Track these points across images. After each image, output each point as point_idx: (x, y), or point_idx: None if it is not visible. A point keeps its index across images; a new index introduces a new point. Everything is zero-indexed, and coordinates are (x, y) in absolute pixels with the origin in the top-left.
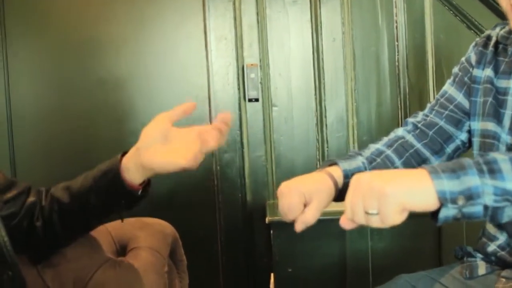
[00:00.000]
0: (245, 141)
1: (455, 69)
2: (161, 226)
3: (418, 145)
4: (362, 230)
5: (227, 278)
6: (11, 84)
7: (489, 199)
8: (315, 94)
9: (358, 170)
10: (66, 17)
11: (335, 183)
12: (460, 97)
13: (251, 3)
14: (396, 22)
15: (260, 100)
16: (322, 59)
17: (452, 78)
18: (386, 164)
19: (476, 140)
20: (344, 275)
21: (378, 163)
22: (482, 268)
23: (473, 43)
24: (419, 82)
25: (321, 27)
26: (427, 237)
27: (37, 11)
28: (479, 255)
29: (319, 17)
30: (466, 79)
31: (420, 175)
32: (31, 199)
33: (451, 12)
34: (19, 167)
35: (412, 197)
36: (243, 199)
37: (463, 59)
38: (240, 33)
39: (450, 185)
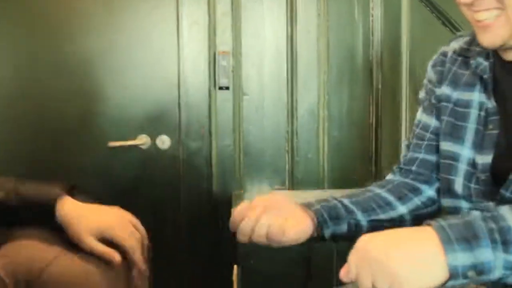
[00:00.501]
0: (213, 129)
1: (421, 94)
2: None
3: (406, 180)
4: None
5: (191, 269)
6: None
7: (499, 272)
8: (287, 85)
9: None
10: None
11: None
12: (433, 122)
13: None
14: (372, 16)
15: (231, 88)
16: (296, 50)
17: (421, 105)
18: (380, 205)
19: (442, 163)
20: (308, 268)
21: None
22: None
23: (431, 63)
24: (392, 78)
25: (296, 18)
26: None
27: None
28: None
29: (295, 8)
30: (433, 100)
31: (432, 247)
32: None
33: (428, 8)
34: None
35: (425, 276)
36: (209, 188)
37: (425, 81)
38: (213, 20)
39: (464, 259)
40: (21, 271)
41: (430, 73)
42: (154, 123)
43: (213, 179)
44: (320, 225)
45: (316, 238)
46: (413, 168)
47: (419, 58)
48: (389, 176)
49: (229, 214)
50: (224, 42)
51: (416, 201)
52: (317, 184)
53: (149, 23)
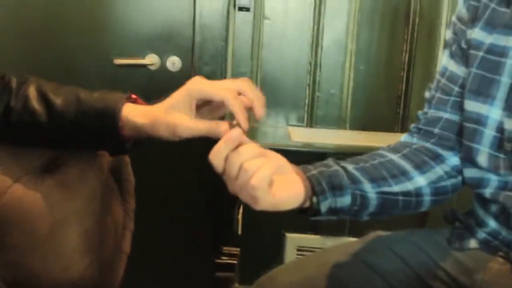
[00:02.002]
0: (229, 54)
1: (448, 34)
2: None
3: (427, 145)
4: None
5: (192, 202)
6: None
7: None
8: (314, 10)
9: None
10: None
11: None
12: (463, 72)
13: None
14: None
15: (252, 10)
16: None
17: (448, 48)
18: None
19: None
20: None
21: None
22: (474, 241)
23: None
24: (431, 13)
25: None
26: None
27: None
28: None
29: None
30: (463, 44)
31: None
32: None
33: None
34: None
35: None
36: (220, 118)
37: (453, 18)
38: None
39: None
40: None
41: (462, 9)
42: (165, 42)
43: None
44: (316, 195)
45: (308, 211)
46: (436, 130)
47: None
48: (406, 138)
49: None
50: None
51: (438, 170)
52: (338, 124)
53: None
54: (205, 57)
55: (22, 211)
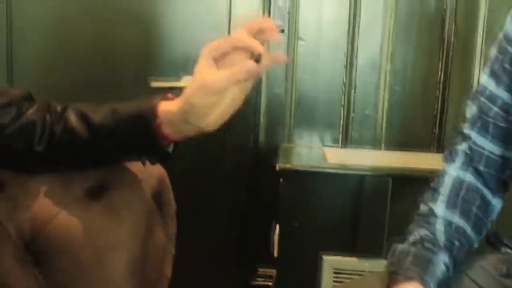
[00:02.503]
0: (264, 76)
1: (493, 51)
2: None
3: (478, 186)
4: (381, 188)
5: (228, 222)
6: None
7: None
8: (348, 31)
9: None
10: None
11: None
12: (503, 94)
13: None
14: None
15: (286, 31)
16: None
17: (489, 65)
18: (464, 245)
19: None
20: (354, 236)
21: (456, 247)
22: None
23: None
24: (466, 30)
25: None
26: None
27: None
28: None
29: None
30: (506, 64)
31: None
32: (32, 114)
33: None
34: (17, 80)
35: None
36: (256, 139)
37: (500, 35)
38: None
39: None
40: (26, 220)
41: (509, 27)
42: None
43: (260, 130)
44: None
45: None
46: (481, 168)
47: (499, 8)
48: (456, 172)
49: (274, 169)
50: None
51: (487, 221)
52: (373, 144)
53: None
54: None
55: (69, 237)
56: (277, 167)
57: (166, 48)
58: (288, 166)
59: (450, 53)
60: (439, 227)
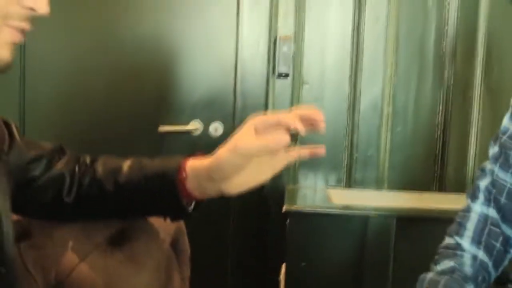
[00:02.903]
0: None
1: (494, 148)
2: None
3: (503, 226)
4: (385, 228)
5: (236, 263)
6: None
7: None
8: (351, 75)
9: None
10: None
11: None
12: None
13: None
14: (448, 5)
15: (291, 76)
16: (362, 38)
17: (510, 108)
18: (485, 278)
19: None
20: (361, 276)
21: (480, 280)
22: None
23: None
24: (465, 74)
25: (365, 2)
26: None
27: None
28: None
29: None
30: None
31: None
32: (62, 166)
33: (509, 1)
34: (29, 129)
35: None
36: None
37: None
38: (276, 2)
39: None
40: (51, 267)
41: (506, 123)
42: (208, 109)
43: None
44: None
45: None
46: (502, 200)
47: (496, 53)
48: (482, 208)
49: (280, 210)
50: (286, 27)
51: (505, 259)
52: (376, 184)
53: (209, 3)
54: None
55: (93, 285)
56: (284, 208)
57: (175, 95)
58: (294, 208)
59: (450, 96)
60: (466, 260)
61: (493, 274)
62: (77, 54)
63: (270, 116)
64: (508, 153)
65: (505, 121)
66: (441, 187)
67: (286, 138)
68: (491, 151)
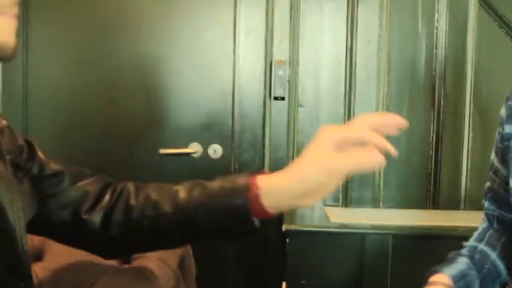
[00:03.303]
0: (267, 141)
1: (496, 132)
2: None
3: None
4: (382, 245)
5: (237, 282)
6: (29, 61)
7: None
8: (345, 97)
9: (463, 272)
10: None
11: None
12: (502, 168)
13: None
14: (437, 29)
15: (286, 99)
16: (355, 61)
17: (495, 143)
18: (483, 260)
19: None
20: None
21: (477, 259)
22: None
23: (506, 99)
24: (455, 95)
25: (356, 27)
26: None
27: None
28: None
29: (356, 17)
30: (498, 141)
31: None
32: (86, 184)
33: (496, 23)
34: None
35: None
36: None
37: (499, 117)
38: (271, 27)
39: None
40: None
41: (502, 110)
42: (207, 131)
43: None
44: None
45: None
46: (495, 225)
47: (485, 75)
48: (486, 224)
49: (280, 227)
50: (281, 51)
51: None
52: (372, 203)
53: (205, 27)
54: (244, 144)
55: None
56: (283, 228)
57: (174, 118)
58: (293, 227)
59: (441, 116)
60: (465, 250)
61: (500, 264)
62: (77, 79)
63: (349, 133)
64: (494, 189)
65: (492, 155)
66: (435, 204)
67: (381, 159)
68: (486, 185)
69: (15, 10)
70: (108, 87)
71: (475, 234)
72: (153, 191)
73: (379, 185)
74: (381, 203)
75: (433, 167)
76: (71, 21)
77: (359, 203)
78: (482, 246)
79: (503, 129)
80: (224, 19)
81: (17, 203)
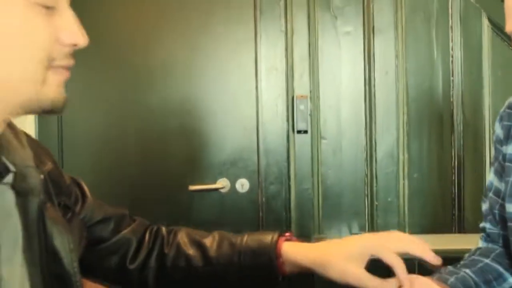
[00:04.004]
0: (292, 173)
1: (493, 152)
2: None
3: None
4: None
5: None
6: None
7: None
8: (366, 127)
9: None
10: (118, 40)
11: None
12: (503, 186)
13: (303, 34)
14: (452, 57)
15: (309, 132)
16: (374, 92)
17: (493, 164)
18: (495, 277)
19: (509, 226)
20: None
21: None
22: None
23: (498, 118)
24: (474, 120)
25: (374, 59)
26: None
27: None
28: None
29: (372, 49)
30: (501, 160)
31: None
32: (130, 231)
33: (510, 47)
34: None
35: None
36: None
37: (494, 137)
38: (291, 64)
39: None
40: None
41: (497, 129)
42: (234, 167)
43: (292, 223)
44: None
45: None
46: (500, 245)
47: (502, 98)
48: (480, 244)
49: None
50: (302, 86)
51: None
52: (398, 229)
53: (228, 69)
54: (270, 177)
55: None
56: None
57: (202, 155)
58: None
59: (461, 141)
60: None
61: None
62: (110, 121)
63: (386, 256)
64: (494, 211)
65: (491, 177)
66: (460, 228)
67: None
68: (483, 208)
69: (69, 62)
70: (139, 129)
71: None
72: (185, 240)
73: (404, 211)
74: (406, 229)
75: (456, 191)
76: (102, 73)
77: (385, 229)
78: (487, 261)
79: (502, 149)
80: (245, 60)
81: (70, 245)
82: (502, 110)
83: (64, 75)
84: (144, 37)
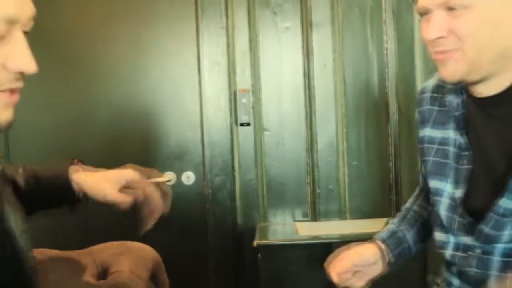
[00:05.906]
0: (236, 165)
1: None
2: (143, 250)
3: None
4: None
5: None
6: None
7: None
8: (306, 119)
9: (392, 231)
10: (63, 36)
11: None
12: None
13: (244, 30)
14: (386, 50)
15: (252, 124)
16: (313, 84)
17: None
18: (416, 217)
19: (433, 199)
20: None
21: (408, 217)
22: None
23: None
24: (408, 109)
25: (312, 53)
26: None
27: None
28: None
29: (311, 43)
30: (418, 143)
31: None
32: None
33: None
34: None
35: None
36: (234, 222)
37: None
38: (232, 59)
39: None
40: None
41: (416, 115)
42: (179, 160)
43: (238, 212)
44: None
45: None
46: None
47: None
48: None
49: (253, 245)
50: (244, 80)
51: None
52: (339, 215)
53: (171, 65)
54: (215, 169)
55: None
56: (254, 244)
57: (148, 150)
58: (263, 242)
59: (397, 129)
60: (399, 213)
61: None
62: (56, 120)
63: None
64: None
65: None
66: (398, 212)
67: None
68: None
69: (17, 85)
70: (85, 129)
71: (411, 198)
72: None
73: (345, 198)
74: (347, 215)
75: (394, 177)
76: (47, 71)
77: (327, 216)
78: (415, 207)
79: (419, 132)
80: (188, 56)
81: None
82: (418, 95)
83: (12, 98)
84: (89, 35)
